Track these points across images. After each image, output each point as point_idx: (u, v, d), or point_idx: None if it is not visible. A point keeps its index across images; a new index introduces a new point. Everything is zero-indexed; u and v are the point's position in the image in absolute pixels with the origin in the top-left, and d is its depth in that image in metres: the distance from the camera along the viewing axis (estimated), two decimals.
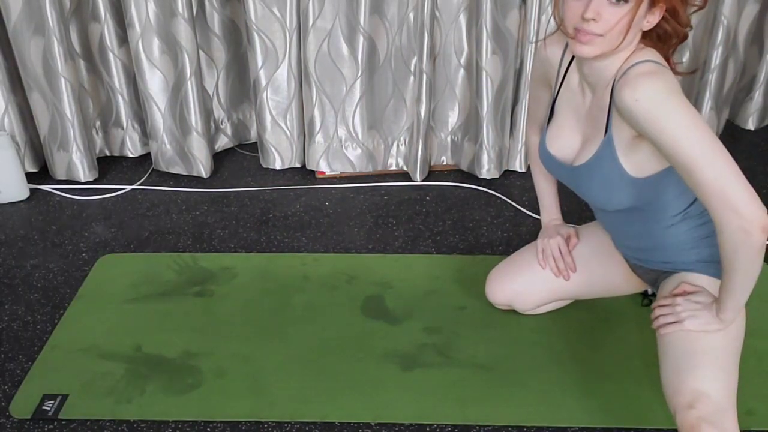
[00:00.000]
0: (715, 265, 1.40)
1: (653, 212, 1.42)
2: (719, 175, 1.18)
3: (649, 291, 1.79)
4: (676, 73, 1.33)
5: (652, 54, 1.29)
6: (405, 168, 2.48)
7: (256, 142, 2.59)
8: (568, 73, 1.44)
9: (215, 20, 2.38)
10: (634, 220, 1.46)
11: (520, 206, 2.28)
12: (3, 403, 1.56)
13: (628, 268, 1.63)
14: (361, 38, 2.21)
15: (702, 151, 1.19)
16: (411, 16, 2.21)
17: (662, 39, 1.29)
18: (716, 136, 1.21)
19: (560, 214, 1.76)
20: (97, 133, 2.49)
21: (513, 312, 1.78)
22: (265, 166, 2.51)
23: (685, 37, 1.30)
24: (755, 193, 1.18)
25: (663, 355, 1.36)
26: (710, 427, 1.20)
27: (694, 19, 2.40)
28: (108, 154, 2.56)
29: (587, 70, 1.36)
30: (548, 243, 1.69)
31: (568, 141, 1.44)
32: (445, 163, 2.51)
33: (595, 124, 1.38)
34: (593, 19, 1.20)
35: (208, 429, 1.51)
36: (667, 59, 1.33)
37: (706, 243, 1.42)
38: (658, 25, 1.27)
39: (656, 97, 1.21)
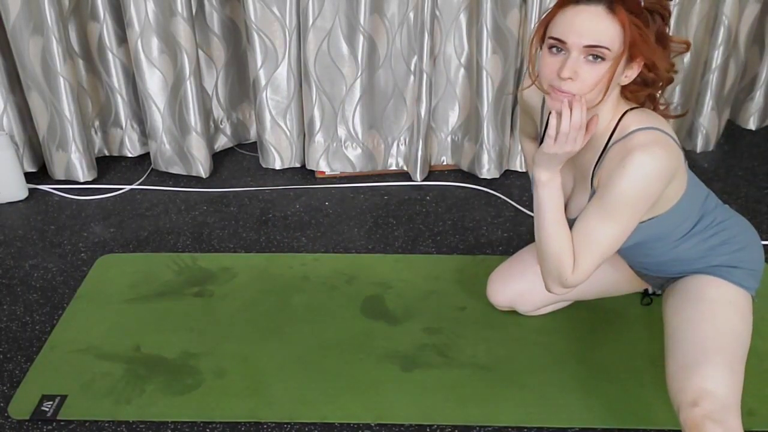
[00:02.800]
0: (726, 269, 1.40)
1: (654, 241, 1.42)
2: (603, 239, 1.29)
3: (650, 290, 1.78)
4: (665, 116, 1.34)
5: (649, 117, 1.28)
6: (405, 168, 2.47)
7: (255, 142, 2.59)
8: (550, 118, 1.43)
9: (215, 20, 2.37)
10: (639, 249, 1.46)
11: (521, 206, 2.28)
12: (1, 404, 1.56)
13: (630, 271, 1.62)
14: (361, 38, 2.21)
15: (617, 218, 1.26)
16: (411, 15, 2.21)
17: (647, 84, 1.29)
18: (631, 228, 1.29)
19: None
20: (96, 132, 2.49)
21: (513, 312, 1.77)
22: (264, 166, 2.51)
23: (670, 81, 1.29)
24: (592, 270, 1.33)
25: (669, 352, 1.36)
26: (714, 425, 1.20)
27: (695, 19, 2.41)
28: (107, 153, 2.56)
29: None
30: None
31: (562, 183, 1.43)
32: (445, 163, 2.50)
33: (583, 173, 1.38)
34: (570, 78, 1.18)
35: (208, 429, 1.50)
36: (656, 101, 1.33)
37: (716, 252, 1.42)
38: (640, 74, 1.26)
39: (638, 170, 1.22)
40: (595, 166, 1.32)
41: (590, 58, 1.18)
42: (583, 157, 1.36)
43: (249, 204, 2.32)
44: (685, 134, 2.60)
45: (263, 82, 2.32)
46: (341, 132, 2.38)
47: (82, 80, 2.36)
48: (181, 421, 1.51)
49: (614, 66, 1.18)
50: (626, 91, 1.30)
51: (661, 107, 1.36)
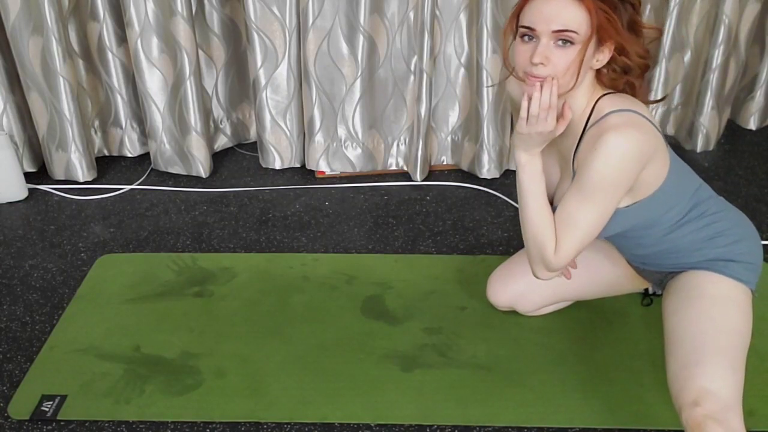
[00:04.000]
0: (723, 263, 1.40)
1: (647, 228, 1.43)
2: (583, 222, 1.31)
3: (650, 290, 1.78)
4: (644, 101, 1.35)
5: (624, 100, 1.30)
6: (405, 168, 2.47)
7: (255, 142, 2.59)
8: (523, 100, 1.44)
9: (214, 19, 2.37)
10: (630, 236, 1.46)
11: None
12: (1, 404, 1.56)
13: (630, 268, 1.62)
14: (361, 37, 2.20)
15: (594, 200, 1.29)
16: (411, 15, 2.20)
17: (626, 71, 1.31)
18: (611, 211, 1.31)
19: None
20: (95, 132, 2.49)
21: (513, 312, 1.77)
22: (264, 166, 2.51)
23: (647, 67, 1.32)
24: (574, 253, 1.35)
25: (670, 351, 1.36)
26: (716, 425, 1.20)
27: (695, 18, 2.41)
28: (107, 153, 2.56)
29: None
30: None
31: (547, 171, 1.45)
32: (445, 163, 2.50)
33: (565, 159, 1.41)
34: (542, 63, 1.23)
35: (208, 429, 1.50)
36: (635, 89, 1.35)
37: (712, 244, 1.41)
38: (614, 61, 1.29)
39: (612, 152, 1.23)
40: (575, 151, 1.35)
41: (560, 42, 1.22)
42: (564, 143, 1.39)
43: (249, 204, 2.32)
44: (686, 134, 2.60)
45: (263, 82, 2.32)
46: (341, 132, 2.38)
47: (82, 80, 2.36)
48: (181, 421, 1.51)
49: (583, 49, 1.23)
50: (604, 78, 1.33)
51: (641, 94, 1.37)
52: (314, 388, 1.58)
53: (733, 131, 2.73)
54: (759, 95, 2.69)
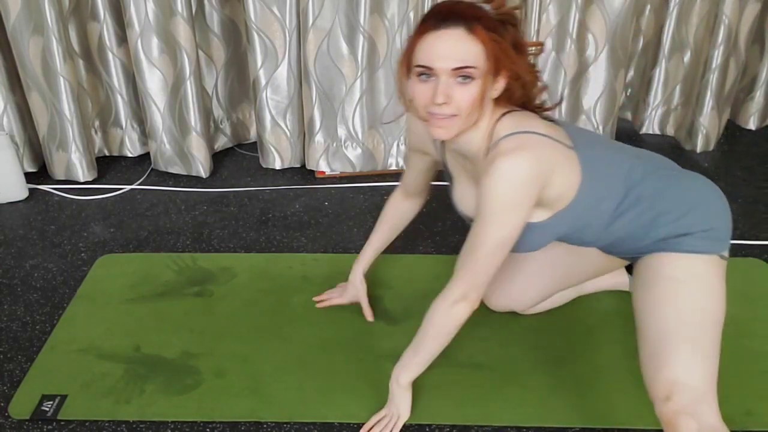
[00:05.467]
0: (675, 240, 1.35)
1: (584, 229, 1.41)
2: (483, 262, 1.30)
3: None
4: (543, 110, 1.35)
5: (518, 121, 1.29)
6: (405, 168, 2.47)
7: (255, 142, 2.59)
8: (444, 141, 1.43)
9: (214, 19, 2.37)
10: (570, 238, 1.46)
11: None
12: (2, 404, 1.56)
13: (600, 252, 1.59)
14: (361, 38, 2.21)
15: (497, 234, 1.28)
16: (411, 15, 2.21)
17: (521, 91, 1.31)
18: (516, 233, 1.29)
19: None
20: (96, 132, 2.49)
21: (513, 312, 1.77)
22: (264, 166, 2.51)
23: (536, 79, 1.32)
24: (485, 289, 1.35)
25: (639, 343, 1.32)
26: (689, 419, 1.18)
27: (695, 19, 2.41)
28: (107, 153, 2.56)
29: (454, 145, 1.37)
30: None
31: (472, 201, 1.45)
32: None
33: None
34: (445, 102, 1.21)
35: (208, 429, 1.50)
36: (531, 102, 1.34)
37: (658, 224, 1.37)
38: (510, 85, 1.28)
39: (504, 177, 1.23)
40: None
41: (460, 79, 1.20)
42: (475, 170, 1.39)
43: (249, 204, 2.32)
44: (686, 134, 2.60)
45: (263, 82, 2.32)
46: (341, 132, 2.38)
47: (82, 80, 2.37)
48: (181, 421, 1.51)
49: (484, 83, 1.22)
50: (501, 100, 1.32)
51: (539, 104, 1.37)
52: (314, 388, 1.59)
53: (732, 131, 2.73)
54: (759, 95, 2.70)
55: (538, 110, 1.37)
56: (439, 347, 1.41)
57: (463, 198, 1.51)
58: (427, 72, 1.21)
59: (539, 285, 1.69)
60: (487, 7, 1.25)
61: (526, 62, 1.29)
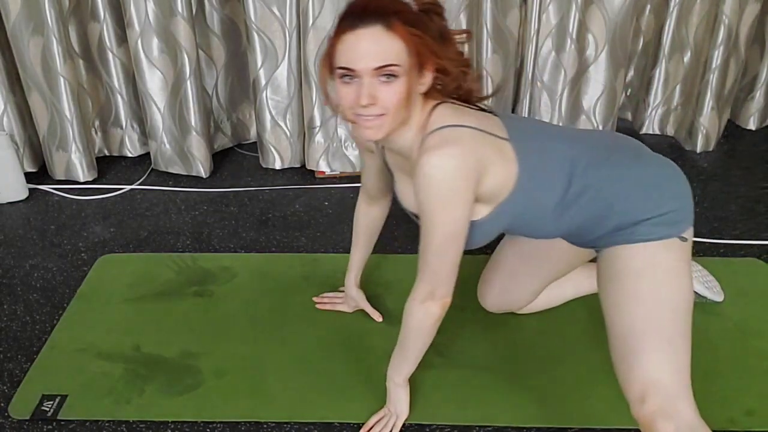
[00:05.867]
0: (629, 230, 1.30)
1: (531, 222, 1.38)
2: (436, 261, 1.29)
3: None
4: (480, 99, 1.32)
5: (447, 114, 1.26)
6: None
7: (255, 142, 2.59)
8: None
9: (215, 19, 2.37)
10: (521, 230, 1.44)
11: None
12: (2, 404, 1.56)
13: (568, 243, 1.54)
14: None
15: (441, 231, 1.25)
16: None
17: (450, 82, 1.27)
18: (461, 227, 1.26)
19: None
20: (96, 132, 2.49)
21: (512, 313, 1.77)
22: (264, 166, 2.51)
23: (466, 67, 1.28)
24: (452, 284, 1.33)
25: (609, 342, 1.28)
26: (666, 421, 1.15)
27: (695, 19, 2.41)
28: (107, 153, 2.56)
29: (387, 144, 1.35)
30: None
31: (412, 197, 1.40)
32: None
33: None
34: (371, 104, 1.18)
35: (208, 429, 1.50)
36: (465, 90, 1.31)
37: (608, 214, 1.32)
38: (437, 78, 1.25)
39: (431, 174, 1.20)
40: None
41: (383, 78, 1.17)
42: (412, 166, 1.35)
43: (249, 204, 2.32)
44: (686, 134, 2.60)
45: (263, 82, 2.32)
46: (341, 132, 2.38)
47: (83, 80, 2.37)
48: (181, 421, 1.51)
49: (409, 80, 1.19)
50: (432, 93, 1.28)
51: (473, 93, 1.34)
52: (314, 388, 1.59)
53: (732, 131, 2.73)
54: (759, 95, 2.70)
55: (474, 100, 1.33)
56: (423, 345, 1.41)
57: (404, 194, 1.48)
58: (349, 73, 1.18)
59: (524, 282, 1.67)
60: None
61: (454, 52, 1.25)
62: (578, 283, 1.78)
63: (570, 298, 1.79)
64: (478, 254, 2.04)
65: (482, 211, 1.33)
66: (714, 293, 1.81)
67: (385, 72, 1.16)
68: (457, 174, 1.21)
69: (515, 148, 1.29)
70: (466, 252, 1.49)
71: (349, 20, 1.16)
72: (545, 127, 1.61)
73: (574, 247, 1.51)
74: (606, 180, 1.32)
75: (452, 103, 1.30)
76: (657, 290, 1.25)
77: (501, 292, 1.70)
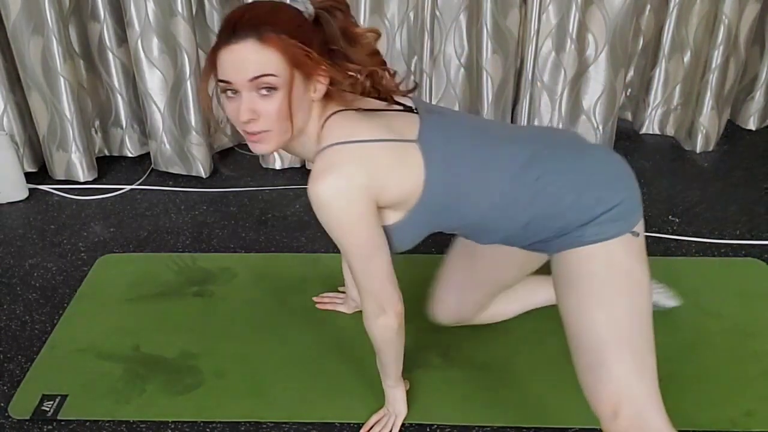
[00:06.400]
0: (577, 232, 1.23)
1: (463, 223, 1.35)
2: (365, 277, 1.29)
3: None
4: (398, 94, 1.27)
5: (340, 127, 1.21)
6: None
7: None
8: None
9: (215, 19, 2.37)
10: (462, 234, 1.42)
11: None
12: (2, 404, 1.56)
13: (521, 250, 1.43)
14: None
15: (356, 252, 1.26)
16: (411, 15, 2.21)
17: (354, 83, 1.21)
18: (375, 243, 1.26)
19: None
20: (96, 132, 2.49)
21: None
22: (264, 166, 2.51)
23: (378, 65, 1.23)
24: (395, 292, 1.33)
25: (572, 352, 1.24)
26: None
27: (695, 19, 2.41)
28: (107, 153, 2.56)
29: (290, 152, 1.33)
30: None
31: None
32: None
33: None
34: (252, 119, 1.16)
35: (208, 429, 1.50)
36: (382, 86, 1.25)
37: (553, 213, 1.25)
38: (336, 81, 1.19)
39: (319, 205, 1.19)
40: None
41: (263, 91, 1.15)
42: None
43: (249, 204, 2.32)
44: (685, 134, 2.60)
45: None
46: None
47: (83, 80, 2.37)
48: (181, 421, 1.51)
49: (289, 90, 1.14)
50: (343, 94, 1.23)
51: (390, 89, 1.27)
52: (314, 388, 1.59)
53: (732, 132, 2.73)
54: (759, 95, 2.69)
55: (396, 97, 1.28)
56: (396, 351, 1.41)
57: None
58: (229, 87, 1.16)
59: (477, 294, 1.61)
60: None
61: (363, 52, 1.19)
62: (532, 298, 1.72)
63: (521, 311, 1.73)
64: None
65: (396, 216, 1.29)
66: (666, 298, 1.73)
67: (263, 85, 1.14)
68: (350, 198, 1.18)
69: (423, 149, 1.23)
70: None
71: (224, 34, 1.14)
72: (480, 125, 1.49)
73: (523, 251, 1.41)
74: (545, 178, 1.25)
75: (352, 110, 1.24)
76: (616, 294, 1.20)
77: (456, 308, 1.63)
